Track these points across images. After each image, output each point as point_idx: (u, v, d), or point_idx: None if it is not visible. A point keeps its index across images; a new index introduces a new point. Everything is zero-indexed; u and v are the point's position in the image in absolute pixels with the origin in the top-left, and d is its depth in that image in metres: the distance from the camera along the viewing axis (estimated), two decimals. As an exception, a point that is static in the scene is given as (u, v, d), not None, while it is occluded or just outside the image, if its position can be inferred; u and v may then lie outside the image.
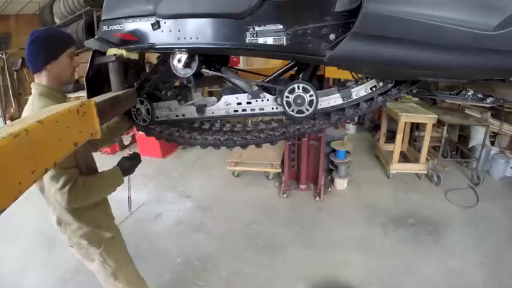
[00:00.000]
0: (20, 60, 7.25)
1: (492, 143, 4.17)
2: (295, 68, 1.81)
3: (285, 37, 1.24)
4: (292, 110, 1.48)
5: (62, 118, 0.83)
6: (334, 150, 3.74)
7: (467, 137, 4.26)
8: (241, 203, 3.61)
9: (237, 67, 3.49)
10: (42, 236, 3.06)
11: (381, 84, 1.46)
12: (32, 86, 1.33)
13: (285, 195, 3.65)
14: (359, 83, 1.50)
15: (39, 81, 1.34)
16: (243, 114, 1.61)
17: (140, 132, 2.43)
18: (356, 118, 5.90)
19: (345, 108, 1.52)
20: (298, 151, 3.64)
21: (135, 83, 1.77)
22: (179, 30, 1.38)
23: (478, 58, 1.03)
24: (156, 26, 1.40)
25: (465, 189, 3.71)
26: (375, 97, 1.47)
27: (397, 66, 1.18)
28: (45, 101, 1.28)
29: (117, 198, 3.85)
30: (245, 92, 1.58)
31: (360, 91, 1.48)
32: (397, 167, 3.93)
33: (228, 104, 1.61)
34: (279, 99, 1.50)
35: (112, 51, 1.46)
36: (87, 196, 1.37)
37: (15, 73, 7.40)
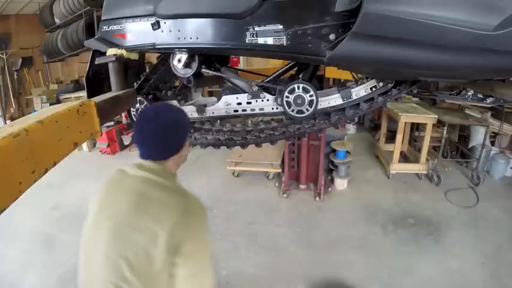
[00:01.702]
0: (20, 60, 7.26)
1: (492, 143, 4.17)
2: (295, 68, 1.81)
3: (285, 37, 1.25)
4: (292, 110, 1.48)
5: (62, 118, 0.83)
6: (334, 150, 3.73)
7: (467, 137, 4.26)
8: (241, 203, 3.61)
9: (237, 67, 3.50)
10: (42, 236, 3.06)
11: (381, 84, 1.46)
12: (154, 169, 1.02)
13: (285, 195, 3.65)
14: (359, 83, 1.50)
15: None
16: (243, 114, 1.61)
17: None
18: (356, 118, 5.90)
19: (345, 109, 1.52)
20: (298, 151, 3.64)
21: (135, 83, 1.77)
22: (179, 30, 1.39)
23: (478, 58, 1.03)
24: (156, 26, 1.40)
25: (465, 189, 3.70)
26: (375, 97, 1.47)
27: (397, 66, 1.18)
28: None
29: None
30: (245, 92, 1.59)
31: (360, 91, 1.48)
32: (397, 167, 3.93)
33: (228, 104, 1.62)
34: (279, 99, 1.50)
35: (112, 51, 1.47)
36: None
37: (15, 73, 7.41)
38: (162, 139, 1.02)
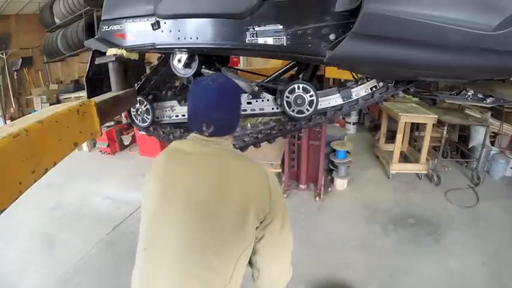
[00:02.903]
0: (20, 60, 7.26)
1: (492, 143, 4.16)
2: (295, 68, 1.81)
3: (285, 37, 1.25)
4: (293, 110, 1.48)
5: (62, 118, 0.83)
6: (334, 150, 3.73)
7: (467, 137, 4.26)
8: (241, 203, 3.60)
9: (237, 67, 3.49)
10: (42, 236, 3.06)
11: (381, 84, 1.46)
12: (221, 143, 0.96)
13: (285, 195, 3.65)
14: (359, 83, 1.50)
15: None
16: (243, 115, 1.61)
17: (141, 132, 2.44)
18: (356, 117, 5.88)
19: (343, 105, 1.52)
20: (298, 151, 3.64)
21: (136, 84, 1.77)
22: (179, 30, 1.39)
23: (478, 58, 1.03)
24: (156, 26, 1.40)
25: (465, 189, 3.70)
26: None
27: (397, 66, 1.18)
28: None
29: (118, 198, 3.84)
30: (245, 92, 1.59)
31: (360, 91, 1.48)
32: (397, 167, 3.92)
33: (228, 104, 1.61)
34: (279, 100, 1.50)
35: (112, 51, 1.47)
36: None
37: (15, 73, 7.40)
38: (237, 110, 1.01)
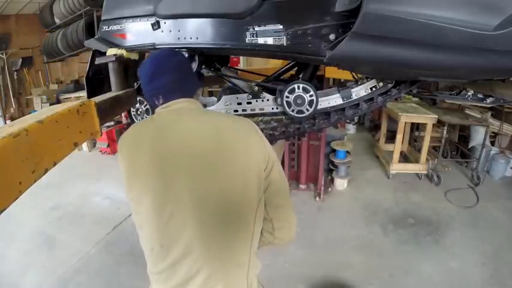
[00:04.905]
0: (20, 60, 7.26)
1: (492, 143, 4.16)
2: (295, 68, 1.81)
3: (285, 37, 1.25)
4: (293, 110, 1.48)
5: (62, 118, 0.83)
6: (334, 150, 3.73)
7: (467, 137, 4.26)
8: (241, 203, 3.60)
9: (237, 67, 3.50)
10: (42, 236, 3.06)
11: (381, 84, 1.46)
12: (191, 102, 0.97)
13: (285, 195, 3.64)
14: (359, 83, 1.50)
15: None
16: (243, 115, 1.61)
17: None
18: (356, 118, 5.88)
19: (345, 108, 1.52)
20: (298, 151, 3.64)
21: (135, 83, 1.77)
22: (179, 30, 1.39)
23: (478, 58, 1.03)
24: (156, 26, 1.40)
25: (465, 189, 3.70)
26: (375, 97, 1.48)
27: (397, 66, 1.18)
28: None
29: (118, 198, 3.83)
30: (245, 92, 1.59)
31: (360, 91, 1.48)
32: (397, 167, 3.92)
33: (228, 104, 1.61)
34: (279, 99, 1.50)
35: (112, 51, 1.47)
36: None
37: (15, 73, 7.41)
38: (189, 70, 1.04)
